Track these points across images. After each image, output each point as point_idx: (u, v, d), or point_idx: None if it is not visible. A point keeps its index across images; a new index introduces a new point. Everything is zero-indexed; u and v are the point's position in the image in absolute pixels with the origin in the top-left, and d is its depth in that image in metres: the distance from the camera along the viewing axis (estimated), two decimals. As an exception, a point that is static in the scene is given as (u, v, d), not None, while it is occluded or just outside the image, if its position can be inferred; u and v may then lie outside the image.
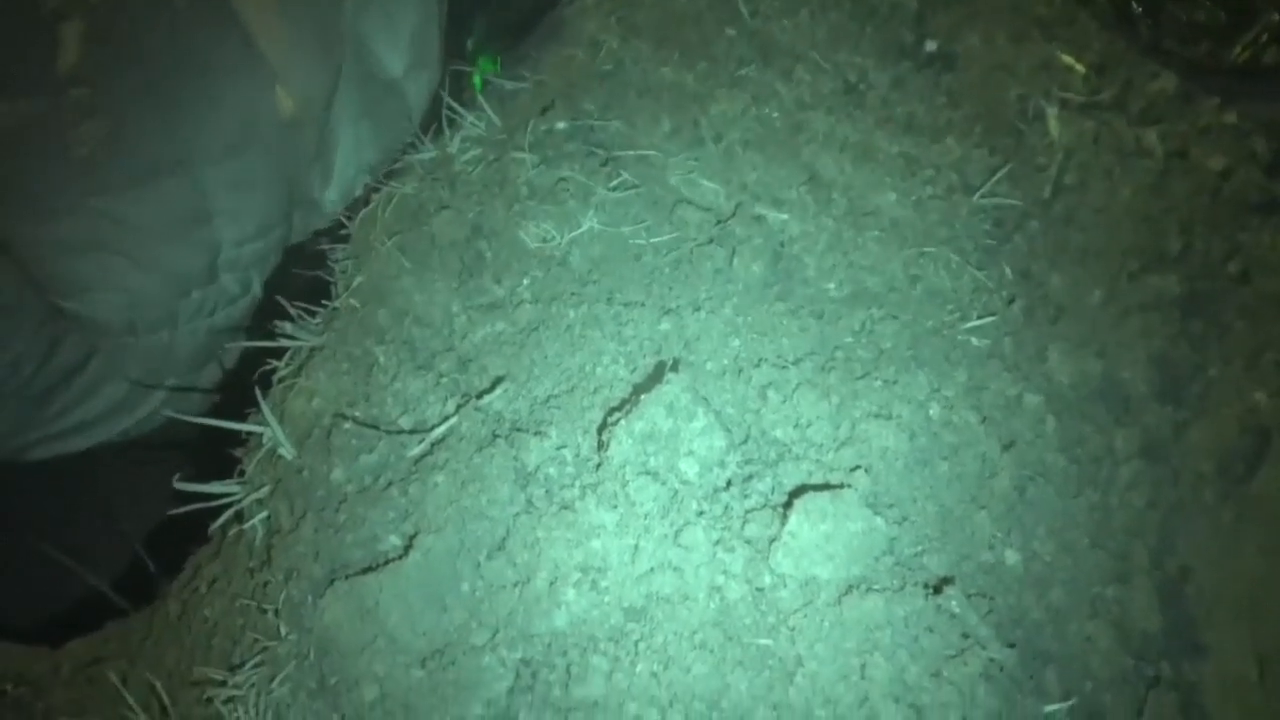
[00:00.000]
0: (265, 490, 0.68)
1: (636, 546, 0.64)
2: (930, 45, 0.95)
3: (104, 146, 0.59)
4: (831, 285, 0.82)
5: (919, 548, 0.68)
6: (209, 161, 0.64)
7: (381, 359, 0.72)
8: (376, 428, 0.69)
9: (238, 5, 0.59)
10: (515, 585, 0.63)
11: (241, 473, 0.70)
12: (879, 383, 0.75)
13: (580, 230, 0.78)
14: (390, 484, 0.67)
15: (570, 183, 0.80)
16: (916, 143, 0.91)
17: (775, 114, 0.86)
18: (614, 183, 0.80)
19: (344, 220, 0.81)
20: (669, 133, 0.84)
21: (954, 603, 0.65)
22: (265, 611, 0.64)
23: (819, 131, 0.87)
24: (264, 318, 0.82)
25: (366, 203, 0.82)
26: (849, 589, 0.64)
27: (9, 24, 0.58)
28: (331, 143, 0.71)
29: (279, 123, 0.64)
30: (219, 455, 0.72)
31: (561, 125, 0.81)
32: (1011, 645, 0.66)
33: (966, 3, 0.96)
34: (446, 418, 0.69)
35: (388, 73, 0.71)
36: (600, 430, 0.68)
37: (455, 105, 0.81)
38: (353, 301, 0.75)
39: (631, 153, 0.82)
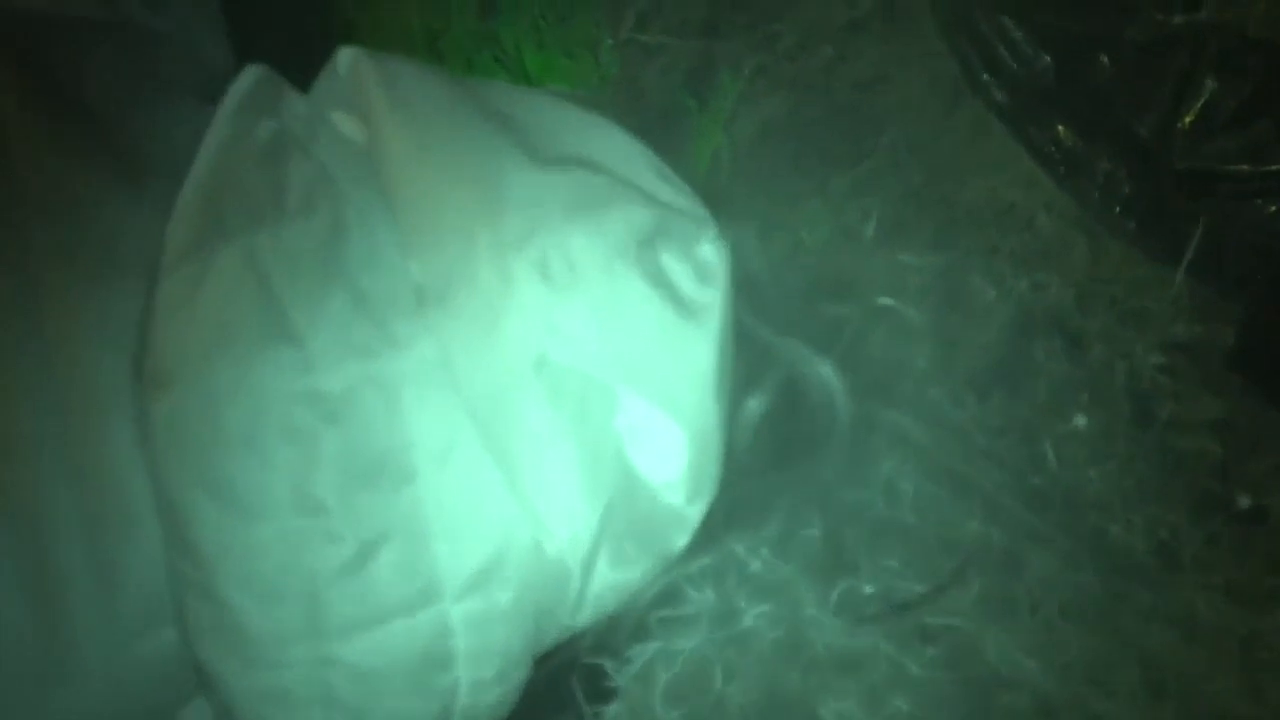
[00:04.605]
0: None
1: None
2: (1243, 500, 0.87)
3: (344, 580, 0.50)
4: (1181, 800, 0.70)
5: None
6: (456, 594, 0.56)
7: None
8: None
9: (505, 442, 0.52)
10: None
11: None
12: None
13: (889, 712, 0.69)
14: None
15: (875, 653, 0.71)
16: (1242, 615, 0.81)
17: (1091, 579, 0.78)
18: (925, 656, 0.71)
19: (608, 671, 0.73)
20: (980, 599, 0.76)
21: None
22: None
23: (1139, 601, 0.79)
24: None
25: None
26: None
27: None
28: (590, 565, 0.62)
29: (535, 556, 0.55)
30: None
31: (868, 590, 0.73)
32: None
33: (1274, 451, 0.89)
34: None
35: (662, 503, 0.63)
36: None
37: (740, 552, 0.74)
38: (636, 788, 0.65)
39: (941, 620, 0.74)
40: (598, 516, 0.52)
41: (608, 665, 0.73)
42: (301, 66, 0.60)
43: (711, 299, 0.53)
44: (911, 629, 0.72)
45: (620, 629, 0.75)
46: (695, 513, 0.55)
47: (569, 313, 0.50)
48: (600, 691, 0.72)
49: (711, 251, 0.53)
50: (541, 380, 0.50)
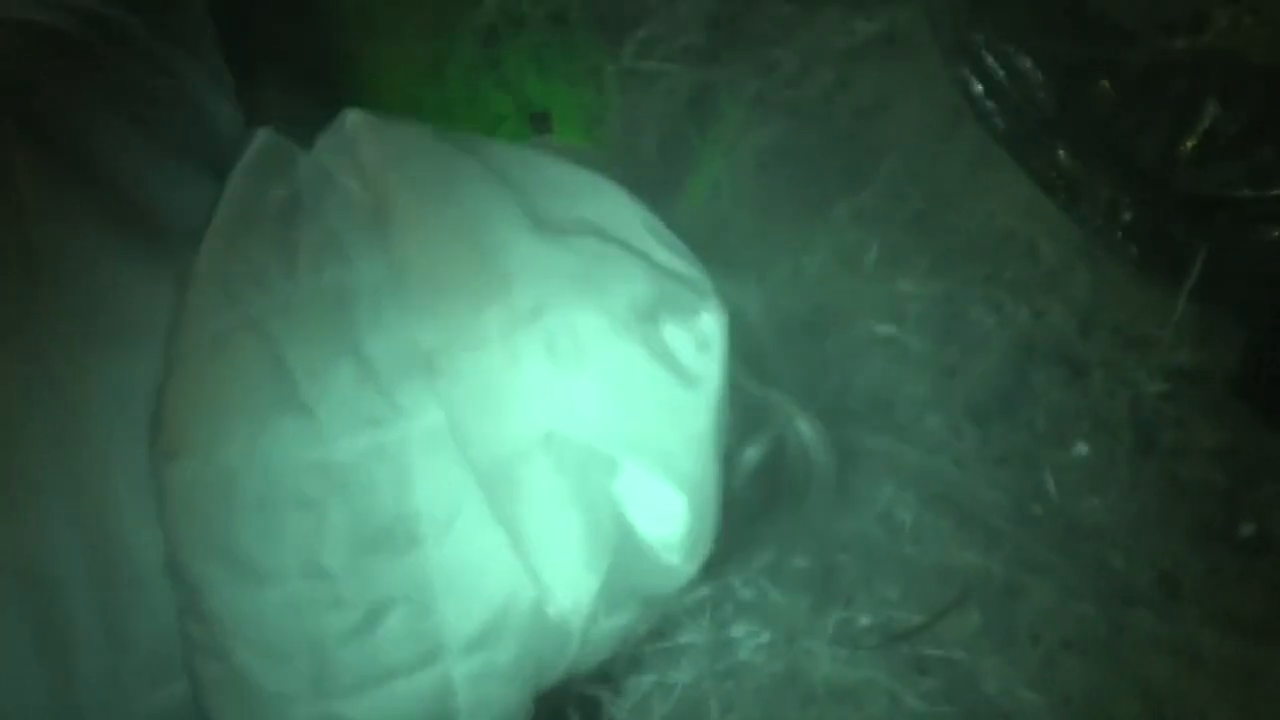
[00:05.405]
0: None
1: None
2: (1247, 529, 0.86)
3: (351, 643, 0.50)
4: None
5: None
6: (458, 653, 0.56)
7: None
8: None
9: (511, 510, 0.52)
10: None
11: None
12: None
13: (886, 746, 0.68)
14: None
15: (873, 685, 0.71)
16: (1245, 646, 0.80)
17: (1093, 610, 0.78)
18: (923, 688, 0.71)
19: (604, 703, 0.73)
20: (979, 630, 0.76)
21: None
22: None
23: (1141, 632, 0.78)
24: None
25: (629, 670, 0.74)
26: None
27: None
28: (588, 629, 0.62)
29: (536, 617, 0.55)
30: None
31: (865, 620, 0.73)
32: None
33: (1278, 480, 0.88)
34: None
35: (661, 563, 0.63)
36: None
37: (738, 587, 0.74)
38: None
39: (939, 653, 0.73)
40: (599, 581, 0.53)
41: (604, 698, 0.73)
42: (306, 99, 0.60)
43: (710, 367, 0.54)
44: (909, 660, 0.72)
45: (617, 661, 0.75)
46: (692, 568, 0.56)
47: (576, 388, 0.50)
48: (597, 725, 0.72)
49: (711, 320, 0.54)
50: (547, 451, 0.50)
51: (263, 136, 0.56)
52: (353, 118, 0.55)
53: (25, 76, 0.54)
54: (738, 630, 0.74)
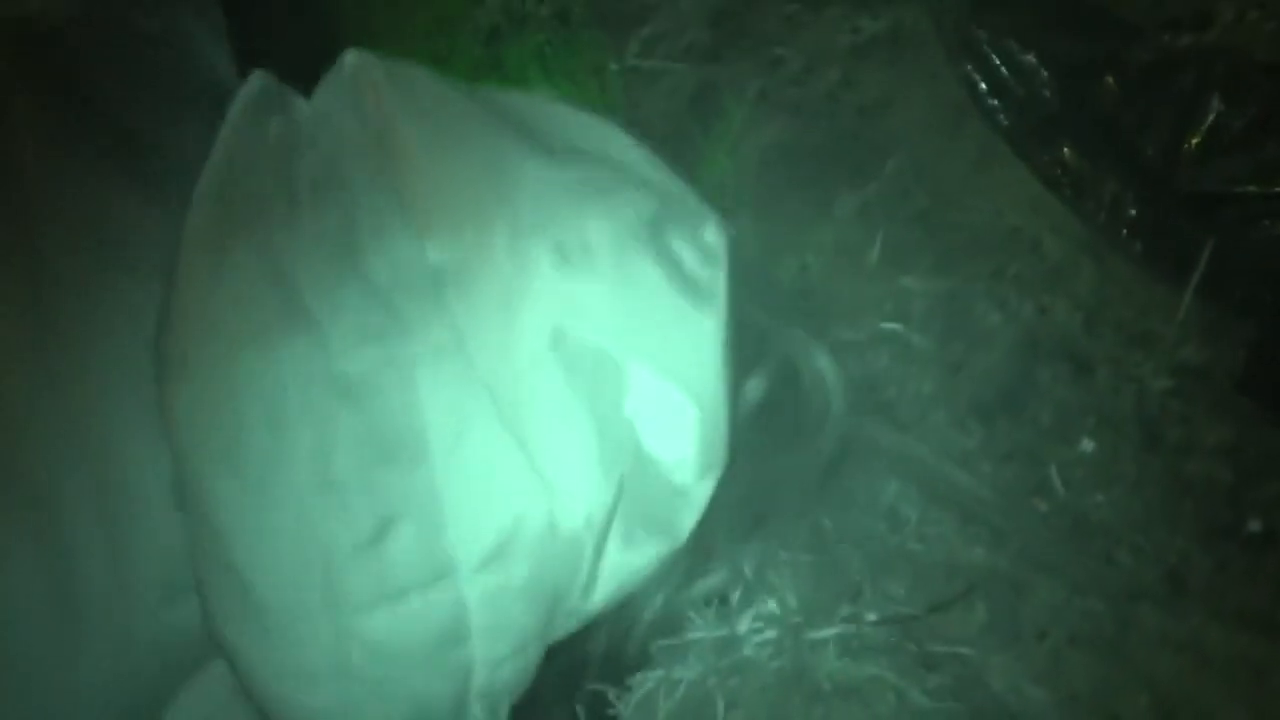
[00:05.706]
0: None
1: None
2: (1254, 525, 0.86)
3: (361, 557, 0.50)
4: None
5: None
6: (471, 570, 0.56)
7: None
8: None
9: (522, 421, 0.52)
10: None
11: None
12: None
13: (893, 743, 0.68)
14: None
15: (879, 681, 0.71)
16: (1252, 642, 0.80)
17: (1099, 606, 0.77)
18: (929, 685, 0.71)
19: (612, 699, 0.73)
20: (986, 626, 0.75)
21: None
22: None
23: (1148, 629, 0.78)
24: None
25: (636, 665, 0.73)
26: None
27: None
28: (602, 543, 0.62)
29: (549, 533, 0.55)
30: None
31: (871, 616, 0.73)
32: None
33: (1284, 477, 0.88)
34: None
35: (672, 482, 0.62)
36: None
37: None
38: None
39: (945, 649, 0.73)
40: (612, 492, 0.53)
41: (610, 693, 0.73)
42: (305, 99, 0.60)
43: (716, 279, 0.54)
44: (916, 657, 0.72)
45: (622, 657, 0.74)
46: (704, 490, 0.56)
47: (585, 290, 0.51)
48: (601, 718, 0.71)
49: (714, 234, 0.55)
50: (557, 357, 0.50)
51: (260, 78, 0.56)
52: (352, 58, 0.55)
53: (23, 12, 0.54)
54: (743, 626, 0.74)
